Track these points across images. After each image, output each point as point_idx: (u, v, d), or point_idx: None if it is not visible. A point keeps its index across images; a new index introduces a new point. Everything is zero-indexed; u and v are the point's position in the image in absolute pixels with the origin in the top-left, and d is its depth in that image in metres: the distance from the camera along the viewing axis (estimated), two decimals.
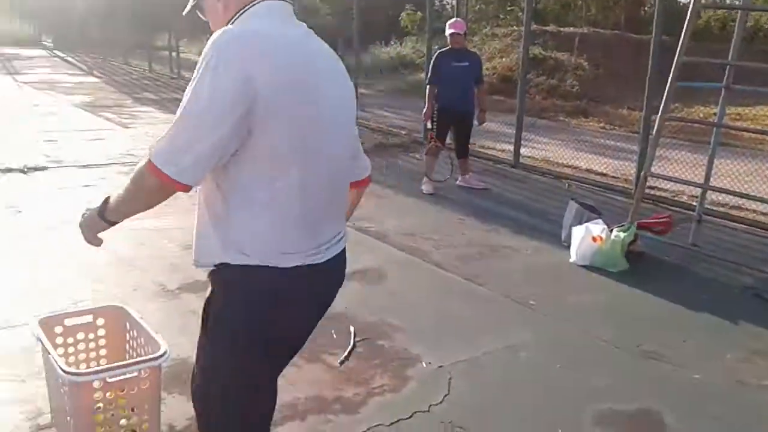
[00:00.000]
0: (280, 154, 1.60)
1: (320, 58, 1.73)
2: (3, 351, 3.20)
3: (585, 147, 9.09)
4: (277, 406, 2.76)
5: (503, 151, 8.74)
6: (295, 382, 3.05)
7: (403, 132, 9.96)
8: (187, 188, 1.58)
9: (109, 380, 2.19)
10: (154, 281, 4.16)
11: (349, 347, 3.42)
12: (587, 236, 4.78)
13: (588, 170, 8.05)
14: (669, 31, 7.21)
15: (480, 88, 6.88)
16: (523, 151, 8.30)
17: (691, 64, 5.45)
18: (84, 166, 7.21)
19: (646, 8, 23.48)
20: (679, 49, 5.14)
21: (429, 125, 6.94)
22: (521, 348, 3.52)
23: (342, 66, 1.81)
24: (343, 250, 1.86)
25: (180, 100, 1.59)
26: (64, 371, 2.16)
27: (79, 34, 27.23)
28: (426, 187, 6.72)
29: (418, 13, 23.23)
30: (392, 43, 21.99)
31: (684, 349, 3.65)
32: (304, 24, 1.76)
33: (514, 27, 20.24)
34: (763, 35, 22.20)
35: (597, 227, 4.81)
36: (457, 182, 7.01)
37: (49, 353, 2.22)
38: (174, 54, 18.95)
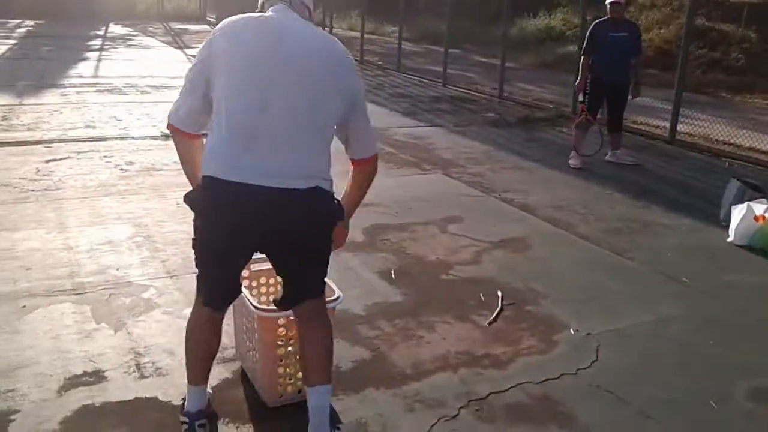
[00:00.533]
0: (218, 97, 2.12)
1: (292, 36, 2.13)
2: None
3: (749, 125, 8.53)
4: (429, 357, 3.02)
5: (658, 127, 8.40)
6: (447, 336, 3.26)
7: (550, 106, 9.82)
8: (180, 132, 2.24)
9: (291, 318, 2.49)
10: None
11: (498, 309, 3.57)
12: (749, 215, 4.58)
13: (751, 149, 7.56)
14: None
15: (638, 60, 6.67)
16: (679, 127, 7.94)
17: None
18: None
19: None
20: None
21: (581, 98, 6.83)
22: (672, 322, 3.51)
23: (329, 49, 2.18)
24: (287, 192, 2.08)
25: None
26: (255, 307, 2.49)
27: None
28: (573, 162, 6.65)
29: None
30: (541, 15, 21.40)
31: None
32: (305, 19, 2.22)
33: None
34: None
35: (761, 206, 4.59)
36: (607, 157, 6.85)
37: (242, 292, 2.56)
38: (326, 30, 19.73)
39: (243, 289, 2.57)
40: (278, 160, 2.09)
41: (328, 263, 2.33)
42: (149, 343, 3.07)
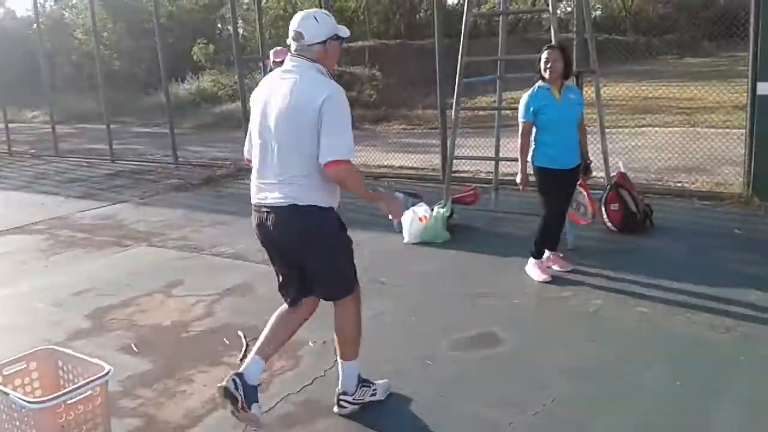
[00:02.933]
0: (250, 134, 3.05)
1: (276, 86, 2.92)
2: None
3: (393, 148, 10.20)
4: (198, 404, 3.33)
5: None
6: (207, 382, 3.57)
7: (228, 162, 10.41)
8: (246, 160, 3.16)
9: (68, 402, 2.61)
10: (41, 339, 4.39)
11: (244, 347, 3.98)
12: (414, 218, 5.70)
13: (401, 167, 9.11)
14: (445, 32, 8.33)
15: None
16: None
17: (471, 62, 6.59)
18: None
19: (420, 14, 25.72)
20: (460, 52, 6.25)
21: None
22: (385, 313, 4.32)
23: (293, 90, 2.84)
24: (278, 209, 2.91)
25: None
26: (28, 402, 2.55)
27: None
28: None
29: (210, 45, 23.52)
30: (189, 79, 22.03)
31: (504, 286, 4.67)
32: (295, 65, 2.92)
33: None
34: (522, 25, 25.43)
35: (421, 209, 5.76)
36: None
37: (8, 393, 2.59)
38: None
39: (5, 389, 2.61)
40: (275, 177, 2.89)
41: (332, 261, 3.03)
42: None
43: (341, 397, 3.20)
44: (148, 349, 4.06)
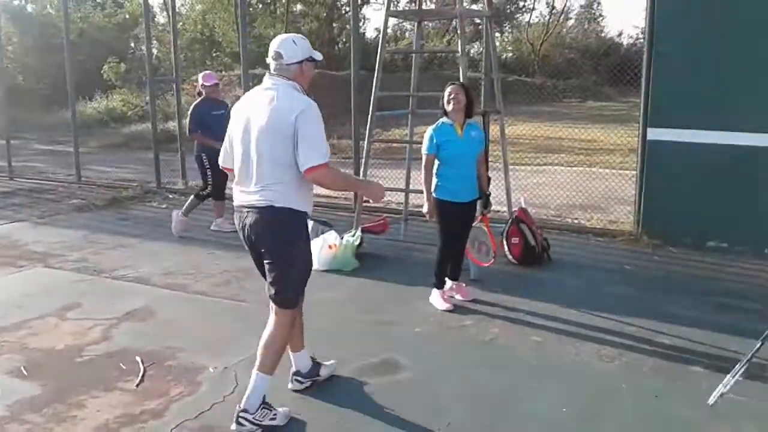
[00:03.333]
0: (230, 144, 3.34)
1: (256, 101, 3.22)
2: None
3: None
4: (91, 430, 3.27)
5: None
6: (101, 408, 3.47)
7: (135, 184, 10.13)
8: (226, 168, 3.44)
9: None
10: None
11: (141, 372, 3.88)
12: (324, 246, 5.75)
13: (314, 195, 9.11)
14: (362, 65, 8.51)
15: None
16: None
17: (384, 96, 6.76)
18: None
19: (339, 45, 26.11)
20: (374, 86, 6.41)
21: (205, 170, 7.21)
22: None
23: (272, 105, 3.14)
24: (255, 208, 3.20)
25: None
26: None
27: None
28: (177, 227, 7.09)
29: (122, 64, 22.92)
30: (97, 98, 21.34)
31: (407, 314, 4.78)
32: (274, 83, 3.23)
33: (223, 72, 21.11)
34: (437, 63, 26.24)
35: (330, 237, 5.81)
36: (211, 227, 7.37)
37: None
38: None
39: None
40: (253, 182, 3.19)
41: (284, 269, 3.27)
42: None
43: (241, 414, 3.21)
44: (38, 373, 3.89)
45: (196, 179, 7.78)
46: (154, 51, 20.17)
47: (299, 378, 3.68)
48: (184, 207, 7.25)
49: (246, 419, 3.20)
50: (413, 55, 7.46)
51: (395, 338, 4.38)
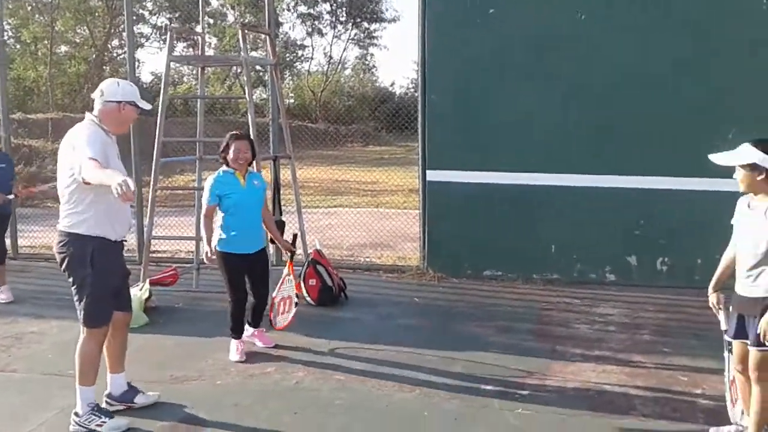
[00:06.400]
0: None
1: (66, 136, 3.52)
2: None
3: None
4: None
5: None
6: None
7: None
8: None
9: None
10: None
11: None
12: None
13: None
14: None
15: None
16: (21, 242, 8.22)
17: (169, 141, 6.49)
18: None
19: None
20: (158, 131, 6.11)
21: None
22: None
23: (68, 138, 3.47)
24: (59, 231, 3.57)
25: None
26: None
27: None
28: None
29: None
30: None
31: (207, 367, 4.57)
32: (85, 120, 3.58)
33: None
34: (219, 107, 25.98)
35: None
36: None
37: None
38: None
39: None
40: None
41: (78, 291, 3.56)
42: None
43: (73, 414, 3.62)
44: None
45: None
46: None
47: (109, 400, 3.85)
48: None
49: (74, 420, 3.60)
50: (198, 100, 7.29)
51: (194, 394, 4.14)
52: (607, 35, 6.49)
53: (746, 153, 3.11)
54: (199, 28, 8.17)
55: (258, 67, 20.15)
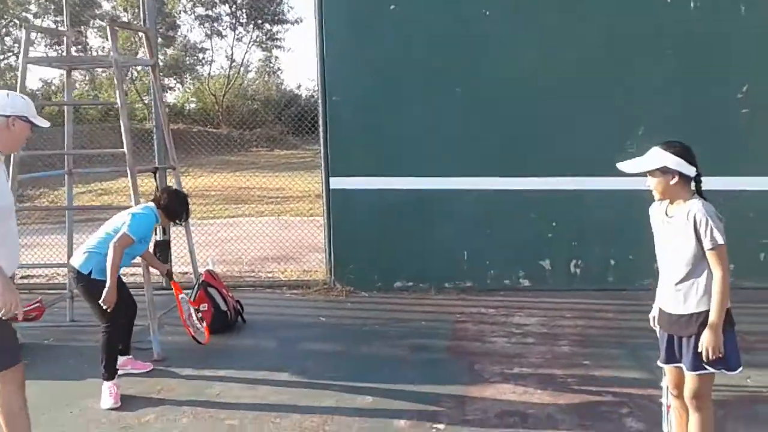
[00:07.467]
0: None
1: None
2: None
3: None
4: None
5: None
6: None
7: None
8: None
9: None
10: None
11: None
12: None
13: None
14: None
15: None
16: None
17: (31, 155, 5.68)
18: None
19: None
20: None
21: None
22: None
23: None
24: None
25: None
26: None
27: None
28: None
29: None
30: None
31: (71, 418, 3.90)
32: None
33: None
34: (114, 114, 24.46)
35: None
36: None
37: None
38: None
39: None
40: None
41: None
42: None
43: None
44: None
45: None
46: None
47: None
48: None
49: None
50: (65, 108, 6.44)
51: None
52: (514, 34, 6.21)
53: (656, 157, 2.80)
54: (71, 28, 7.30)
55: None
